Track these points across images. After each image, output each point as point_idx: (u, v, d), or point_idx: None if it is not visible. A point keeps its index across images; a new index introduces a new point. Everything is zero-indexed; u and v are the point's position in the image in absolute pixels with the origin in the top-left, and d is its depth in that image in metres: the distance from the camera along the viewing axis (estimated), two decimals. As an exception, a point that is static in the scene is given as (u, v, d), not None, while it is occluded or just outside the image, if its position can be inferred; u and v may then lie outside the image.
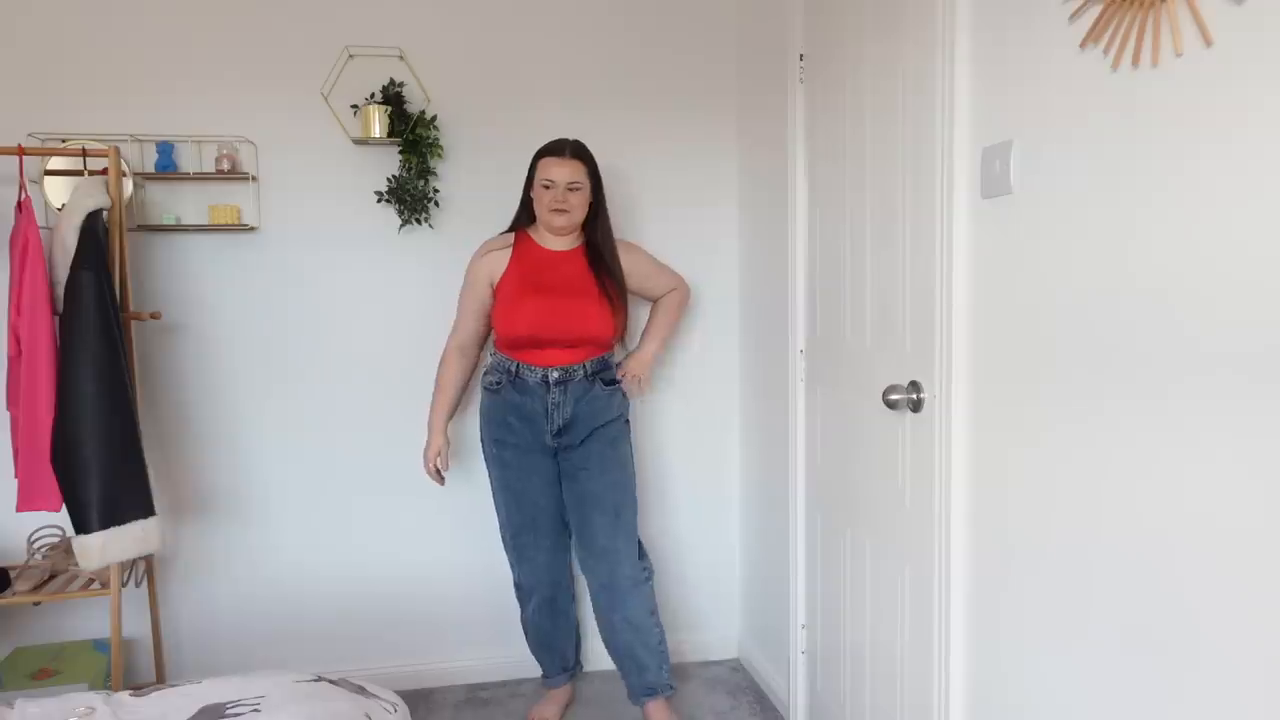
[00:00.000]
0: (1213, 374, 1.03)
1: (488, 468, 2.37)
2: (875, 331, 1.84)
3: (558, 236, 2.30)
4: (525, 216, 2.34)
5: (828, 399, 2.10)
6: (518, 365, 2.26)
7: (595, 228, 2.31)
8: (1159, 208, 1.11)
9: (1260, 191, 0.96)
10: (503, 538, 2.41)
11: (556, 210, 2.22)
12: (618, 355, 2.48)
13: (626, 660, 2.37)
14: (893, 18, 1.71)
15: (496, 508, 2.39)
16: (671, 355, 2.75)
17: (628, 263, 2.37)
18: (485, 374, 2.36)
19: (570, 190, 2.21)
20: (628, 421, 2.41)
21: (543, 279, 2.26)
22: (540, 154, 2.26)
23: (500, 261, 2.30)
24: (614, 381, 2.35)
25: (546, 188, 2.22)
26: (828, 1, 2.02)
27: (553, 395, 2.25)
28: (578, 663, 2.61)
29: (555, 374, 2.25)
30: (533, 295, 2.23)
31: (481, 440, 2.38)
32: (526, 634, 2.51)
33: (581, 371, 2.27)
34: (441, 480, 2.37)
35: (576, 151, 2.24)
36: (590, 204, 2.28)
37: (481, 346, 2.43)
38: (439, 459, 2.35)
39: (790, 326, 2.28)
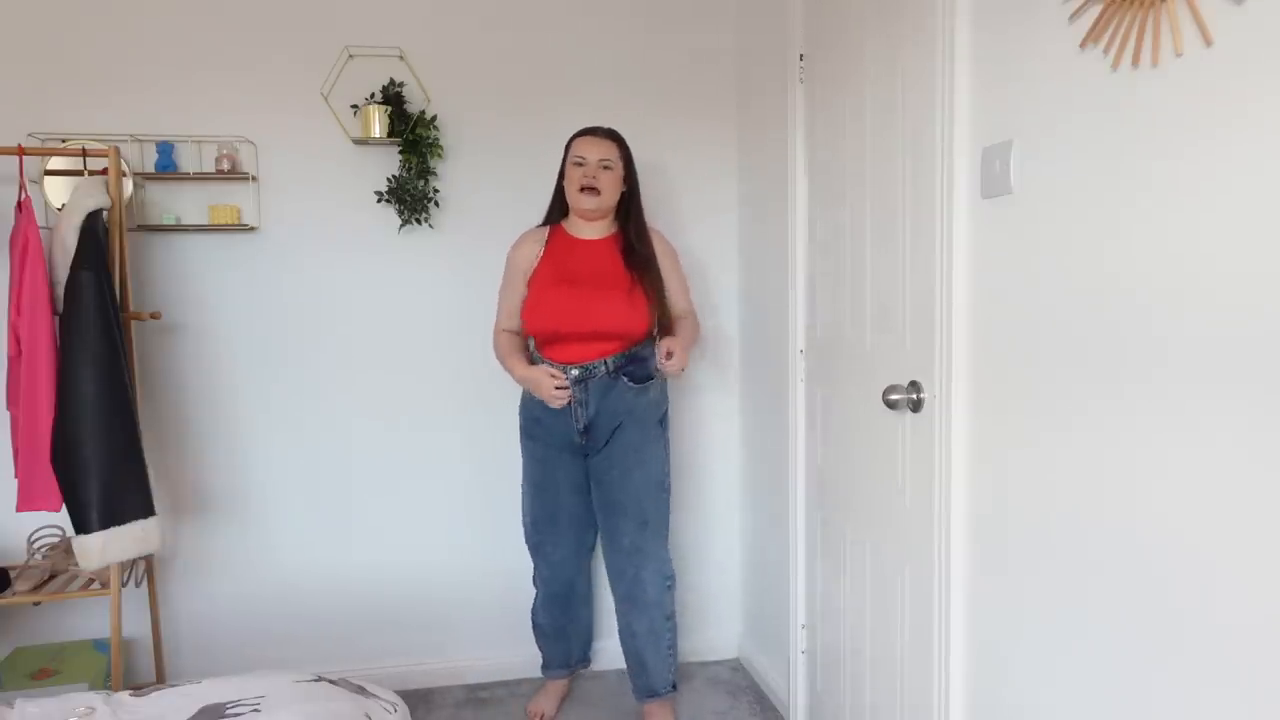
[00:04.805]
0: (1215, 373, 1.03)
1: (522, 457, 2.38)
2: (875, 331, 1.84)
3: (589, 222, 2.27)
4: (557, 211, 2.32)
5: (828, 399, 2.10)
6: (545, 363, 2.24)
7: (629, 217, 2.29)
8: (1158, 207, 1.10)
9: (1261, 190, 0.96)
10: (524, 527, 2.41)
11: (587, 189, 2.18)
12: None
13: (634, 662, 2.39)
14: (892, 17, 1.71)
15: (522, 498, 2.40)
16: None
17: (658, 253, 2.31)
18: None
19: (602, 168, 2.20)
20: (660, 422, 2.32)
21: (571, 268, 2.23)
22: (574, 136, 2.26)
23: (534, 252, 2.28)
24: (645, 379, 2.26)
25: (578, 165, 2.20)
26: (828, 1, 2.02)
27: (574, 393, 2.22)
28: (582, 660, 2.59)
29: (575, 371, 2.21)
30: (559, 286, 2.21)
31: (520, 428, 2.37)
32: (535, 622, 2.49)
33: (603, 368, 2.21)
34: (568, 388, 2.19)
35: (610, 133, 2.25)
36: (624, 192, 2.26)
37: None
38: (553, 377, 2.17)
39: (790, 326, 2.28)
